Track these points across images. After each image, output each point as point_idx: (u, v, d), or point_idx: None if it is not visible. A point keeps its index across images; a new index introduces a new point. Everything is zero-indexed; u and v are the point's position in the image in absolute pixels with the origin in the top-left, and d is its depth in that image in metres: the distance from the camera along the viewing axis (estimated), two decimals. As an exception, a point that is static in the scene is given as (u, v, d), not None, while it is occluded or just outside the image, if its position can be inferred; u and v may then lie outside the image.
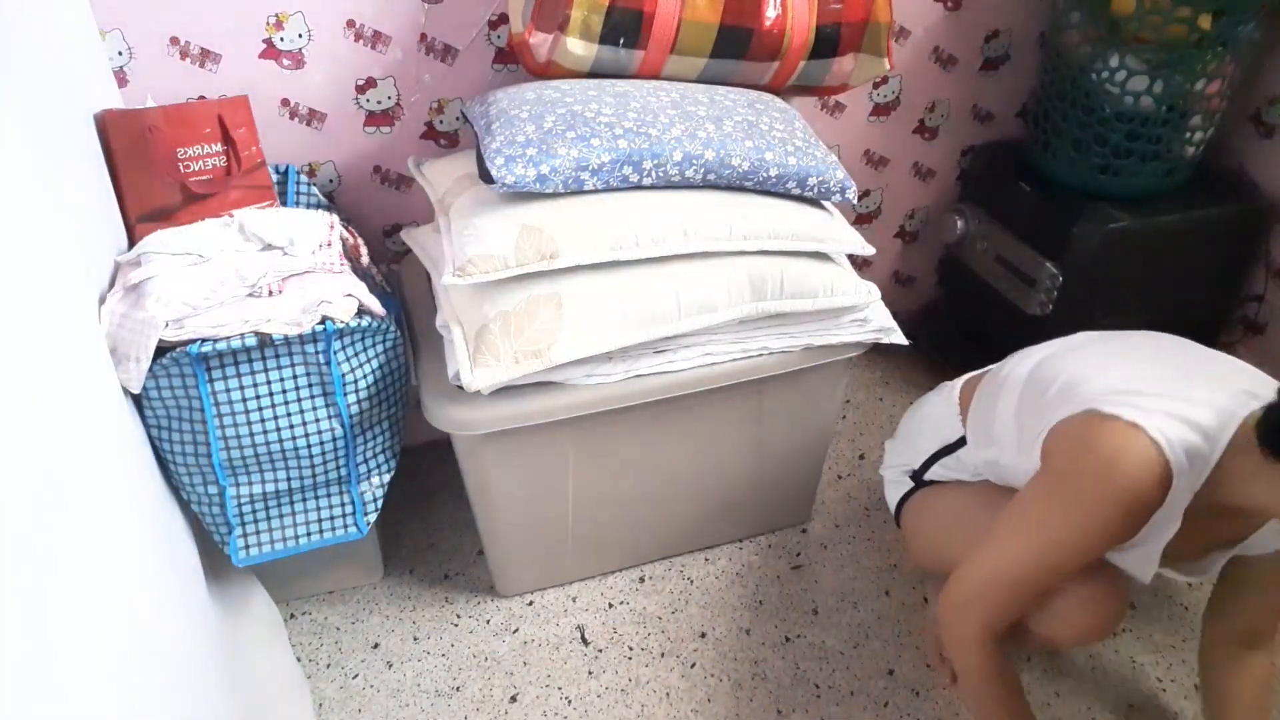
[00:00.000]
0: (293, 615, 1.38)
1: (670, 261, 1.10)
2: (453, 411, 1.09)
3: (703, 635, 1.36)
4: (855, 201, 1.22)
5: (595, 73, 1.19)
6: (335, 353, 1.04)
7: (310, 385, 1.04)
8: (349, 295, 1.04)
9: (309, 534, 1.13)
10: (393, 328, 1.10)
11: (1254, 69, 1.48)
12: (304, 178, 1.25)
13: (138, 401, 0.98)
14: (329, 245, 1.09)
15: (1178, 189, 1.49)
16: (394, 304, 1.19)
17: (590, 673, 1.30)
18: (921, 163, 1.72)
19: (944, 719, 1.25)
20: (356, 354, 1.06)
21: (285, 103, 1.26)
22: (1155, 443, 0.88)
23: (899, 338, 1.24)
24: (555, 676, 1.30)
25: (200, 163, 1.08)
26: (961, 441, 1.19)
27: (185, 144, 1.07)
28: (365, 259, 1.19)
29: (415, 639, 1.35)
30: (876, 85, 1.58)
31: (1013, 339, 1.34)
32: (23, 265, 0.69)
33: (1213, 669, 1.13)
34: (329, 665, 1.31)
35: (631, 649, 1.34)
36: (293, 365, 1.03)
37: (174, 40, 1.17)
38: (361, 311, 1.06)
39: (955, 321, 1.80)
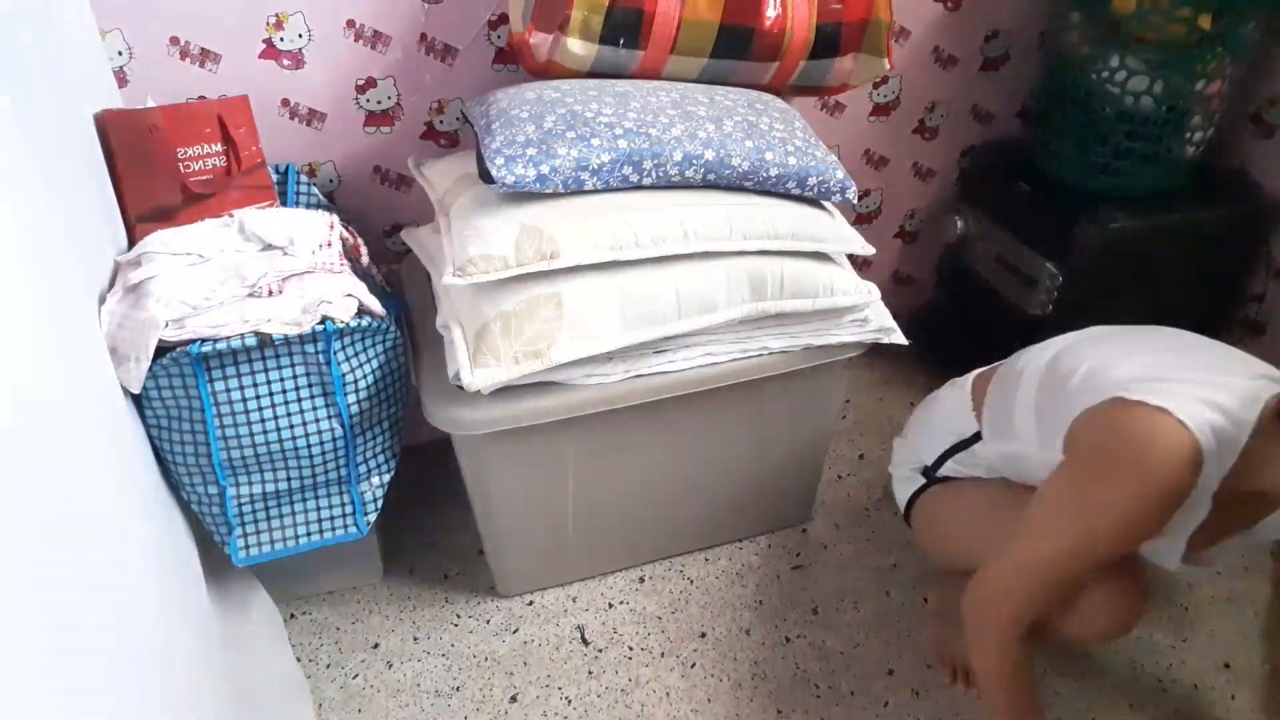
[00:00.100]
0: (293, 615, 1.38)
1: (670, 261, 1.10)
2: (453, 411, 1.09)
3: (703, 635, 1.36)
4: (855, 201, 1.22)
5: (595, 73, 1.19)
6: (335, 353, 1.04)
7: (310, 385, 1.04)
8: (349, 295, 1.04)
9: (309, 534, 1.13)
10: (393, 328, 1.10)
11: (1254, 69, 1.48)
12: (304, 178, 1.25)
13: (138, 401, 0.98)
14: (329, 245, 1.09)
15: (1178, 189, 1.49)
16: (394, 304, 1.19)
17: (590, 673, 1.30)
18: (921, 163, 1.72)
19: (944, 719, 1.25)
20: (356, 354, 1.06)
21: (285, 103, 1.26)
22: (1184, 425, 0.88)
23: (899, 338, 1.24)
24: (555, 676, 1.30)
25: (200, 163, 1.08)
26: (976, 437, 1.19)
27: (185, 144, 1.07)
28: (365, 259, 1.19)
29: (415, 639, 1.35)
30: (876, 85, 1.58)
31: (1013, 339, 1.34)
32: (23, 265, 0.69)
33: None
34: (329, 665, 1.31)
35: (631, 649, 1.34)
36: (293, 365, 1.03)
37: (174, 40, 1.17)
38: (361, 311, 1.06)
39: (955, 321, 1.80)
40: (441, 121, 1.35)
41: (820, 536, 1.52)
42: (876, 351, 1.33)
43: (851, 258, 1.24)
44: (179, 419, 1.00)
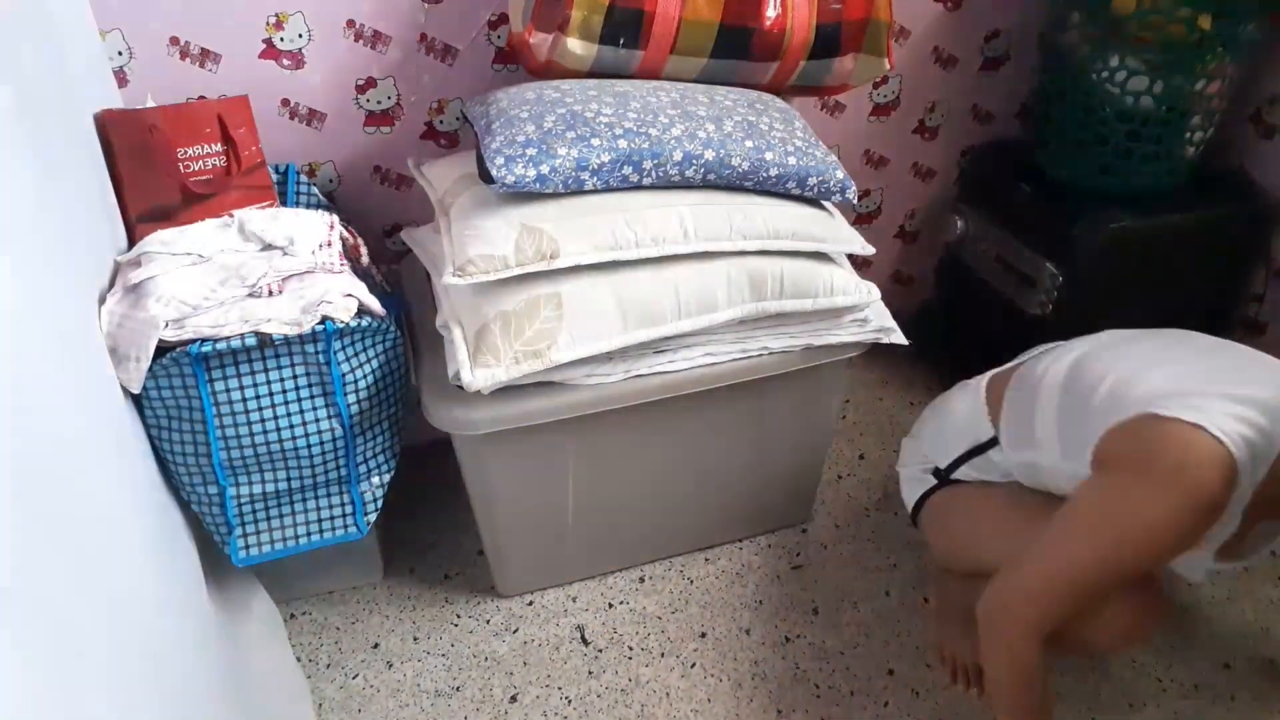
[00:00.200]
0: (293, 615, 1.38)
1: (670, 262, 1.10)
2: (453, 411, 1.09)
3: (703, 635, 1.36)
4: (855, 201, 1.22)
5: (595, 72, 1.19)
6: (335, 353, 1.04)
7: (310, 385, 1.04)
8: (349, 295, 1.04)
9: (309, 534, 1.13)
10: (393, 328, 1.10)
11: (1254, 69, 1.48)
12: (304, 178, 1.25)
13: (138, 401, 0.98)
14: (329, 245, 1.09)
15: (1178, 189, 1.49)
16: (394, 304, 1.19)
17: (590, 673, 1.30)
18: (921, 163, 1.72)
19: (944, 719, 1.25)
20: (356, 354, 1.06)
21: (285, 103, 1.26)
22: (1220, 440, 0.88)
23: (899, 338, 1.24)
24: (555, 676, 1.30)
25: (200, 163, 1.08)
26: (992, 442, 1.19)
27: (185, 144, 1.07)
28: (365, 259, 1.19)
29: (415, 639, 1.35)
30: (876, 85, 1.58)
31: (1013, 339, 1.34)
32: (23, 265, 0.69)
33: None
34: (329, 665, 1.31)
35: (631, 649, 1.34)
36: (293, 365, 1.03)
37: (174, 40, 1.17)
38: (361, 311, 1.06)
39: (955, 321, 1.80)
40: (441, 121, 1.35)
41: (820, 536, 1.52)
42: (876, 351, 1.33)
43: (851, 258, 1.24)
44: (179, 419, 1.00)
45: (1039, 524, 1.02)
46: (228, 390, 1.00)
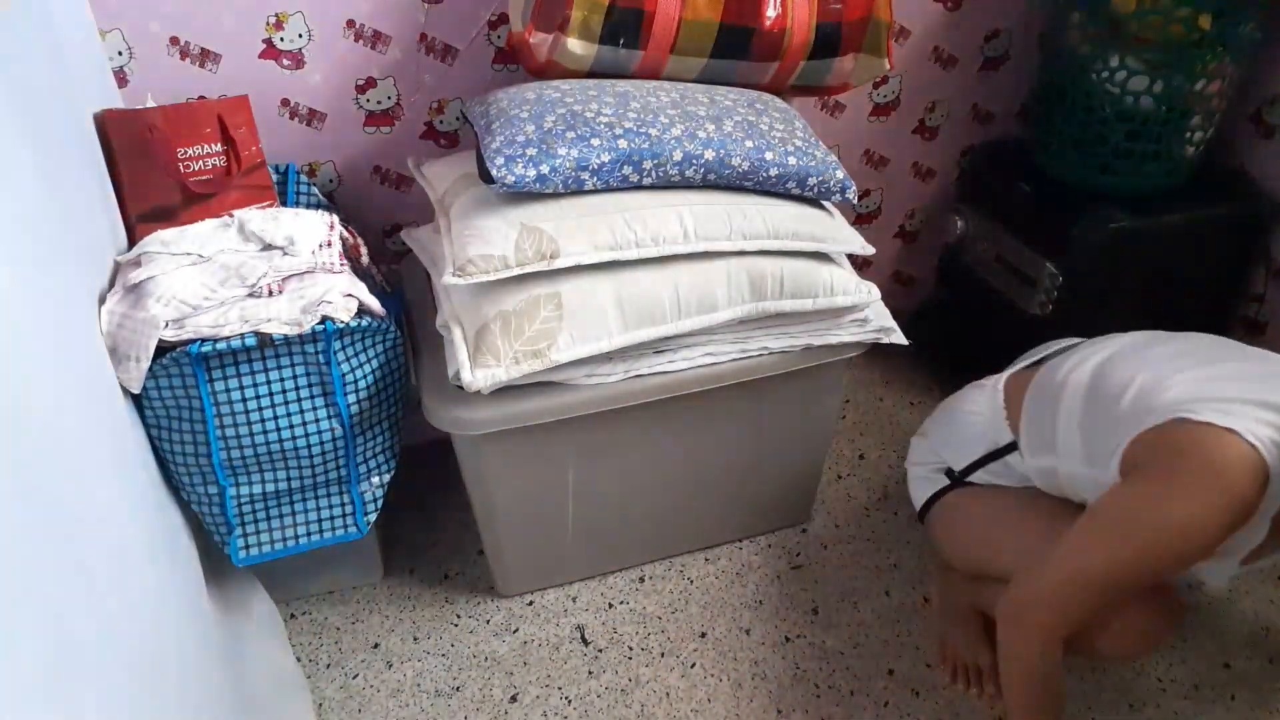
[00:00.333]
0: (293, 615, 1.38)
1: (670, 262, 1.10)
2: (453, 411, 1.09)
3: (703, 635, 1.36)
4: (855, 201, 1.23)
5: (595, 73, 1.19)
6: (335, 353, 1.04)
7: (310, 385, 1.04)
8: (349, 295, 1.04)
9: (309, 534, 1.13)
10: (393, 328, 1.10)
11: (1254, 69, 1.48)
12: (304, 178, 1.25)
13: (138, 401, 0.98)
14: (329, 245, 1.09)
15: (1178, 189, 1.49)
16: (394, 304, 1.19)
17: (590, 673, 1.30)
18: (921, 163, 1.72)
19: (944, 719, 1.25)
20: (356, 354, 1.06)
21: (285, 103, 1.26)
22: (1253, 445, 0.88)
23: (899, 338, 1.24)
24: (555, 676, 1.30)
25: (200, 163, 1.08)
26: (1011, 447, 1.19)
27: (185, 144, 1.07)
28: (365, 259, 1.19)
29: (415, 639, 1.35)
30: (876, 85, 1.58)
31: (1013, 339, 1.34)
32: (22, 265, 0.69)
33: None
34: (329, 665, 1.31)
35: (631, 649, 1.34)
36: (293, 365, 1.03)
37: (174, 40, 1.17)
38: (361, 311, 1.06)
39: (955, 321, 1.80)
40: (441, 121, 1.35)
41: (820, 536, 1.52)
42: (876, 351, 1.33)
43: (851, 258, 1.24)
44: (179, 419, 1.00)
45: (1057, 529, 1.02)
46: (228, 390, 1.00)
